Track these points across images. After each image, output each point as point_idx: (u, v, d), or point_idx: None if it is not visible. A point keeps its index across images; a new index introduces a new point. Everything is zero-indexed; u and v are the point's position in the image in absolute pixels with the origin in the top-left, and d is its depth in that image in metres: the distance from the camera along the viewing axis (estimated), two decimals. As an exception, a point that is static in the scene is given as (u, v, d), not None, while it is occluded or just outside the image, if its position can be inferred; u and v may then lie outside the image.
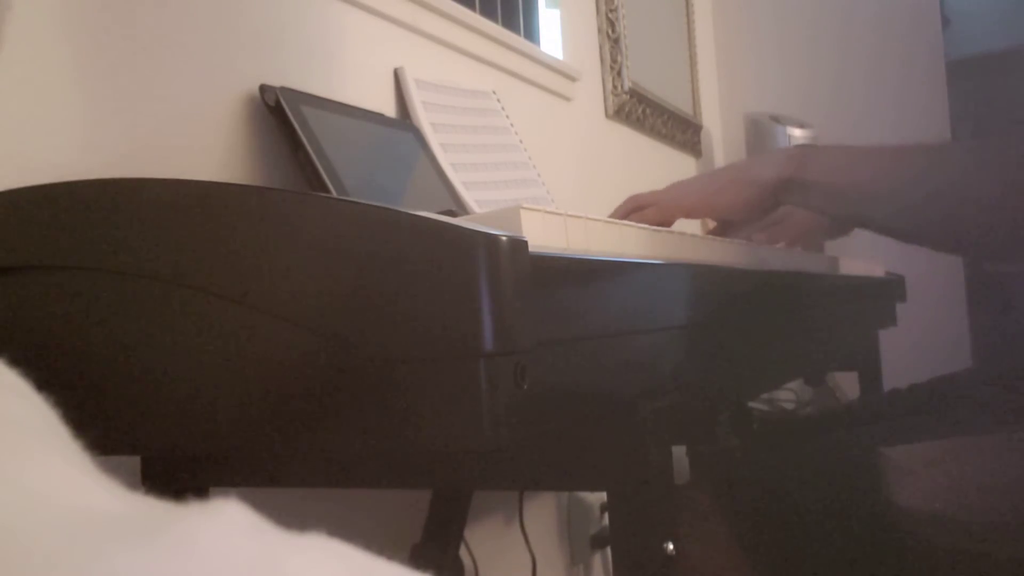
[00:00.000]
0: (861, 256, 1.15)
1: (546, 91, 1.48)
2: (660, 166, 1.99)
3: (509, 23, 1.42)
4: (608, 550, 1.47)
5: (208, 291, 0.42)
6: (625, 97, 1.76)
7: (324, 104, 0.86)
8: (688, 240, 0.61)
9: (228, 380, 0.42)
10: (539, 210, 0.42)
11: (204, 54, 0.81)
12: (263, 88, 0.82)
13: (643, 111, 1.85)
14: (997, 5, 2.44)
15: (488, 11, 1.35)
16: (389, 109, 1.05)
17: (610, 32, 1.73)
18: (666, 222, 0.85)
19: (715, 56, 2.41)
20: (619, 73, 1.74)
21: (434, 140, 1.03)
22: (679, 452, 0.51)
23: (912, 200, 0.76)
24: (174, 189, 0.44)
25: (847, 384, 1.59)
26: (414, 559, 0.98)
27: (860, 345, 1.24)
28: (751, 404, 1.39)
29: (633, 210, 0.87)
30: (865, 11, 2.18)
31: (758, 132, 2.12)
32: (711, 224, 0.94)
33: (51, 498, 0.16)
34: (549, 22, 1.60)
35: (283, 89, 0.82)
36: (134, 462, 0.60)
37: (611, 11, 1.74)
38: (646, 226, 0.55)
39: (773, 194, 0.82)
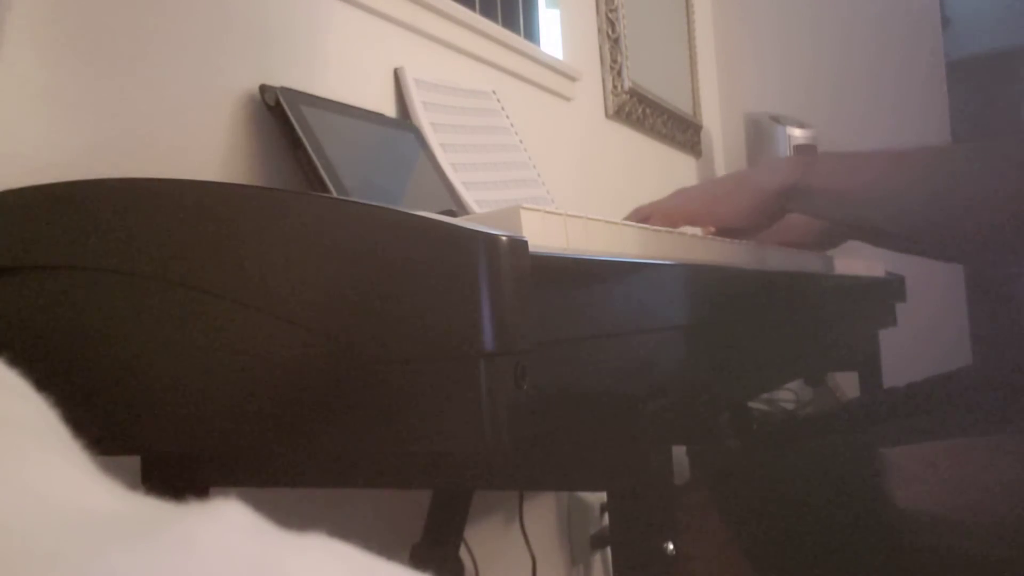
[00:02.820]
0: (861, 256, 1.15)
1: (546, 91, 1.48)
2: (660, 166, 1.99)
3: (509, 23, 1.42)
4: (608, 550, 1.47)
5: (208, 291, 0.42)
6: (625, 97, 1.76)
7: (324, 104, 0.86)
8: (688, 240, 0.61)
9: (228, 380, 0.42)
10: (539, 210, 0.42)
11: (204, 54, 0.81)
12: (263, 88, 0.82)
13: (643, 111, 1.85)
14: (997, 5, 2.44)
15: (488, 11, 1.35)
16: (389, 109, 1.05)
17: (610, 32, 1.73)
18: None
19: (715, 56, 2.41)
20: (619, 73, 1.74)
21: (434, 140, 1.03)
22: (679, 452, 0.51)
23: (916, 202, 0.76)
24: (174, 189, 0.44)
25: (847, 384, 1.59)
26: (414, 559, 0.98)
27: (860, 345, 1.24)
28: (751, 404, 1.39)
29: (639, 221, 0.86)
30: (865, 11, 2.18)
31: (758, 132, 2.12)
32: (710, 228, 0.94)
33: (51, 498, 0.16)
34: (549, 22, 1.60)
35: (283, 89, 0.82)
36: (134, 462, 0.60)
37: (611, 11, 1.74)
38: (646, 226, 0.55)
39: (778, 201, 0.82)
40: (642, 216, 0.87)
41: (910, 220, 0.78)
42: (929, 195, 0.75)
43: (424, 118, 1.04)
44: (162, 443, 0.45)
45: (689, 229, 0.84)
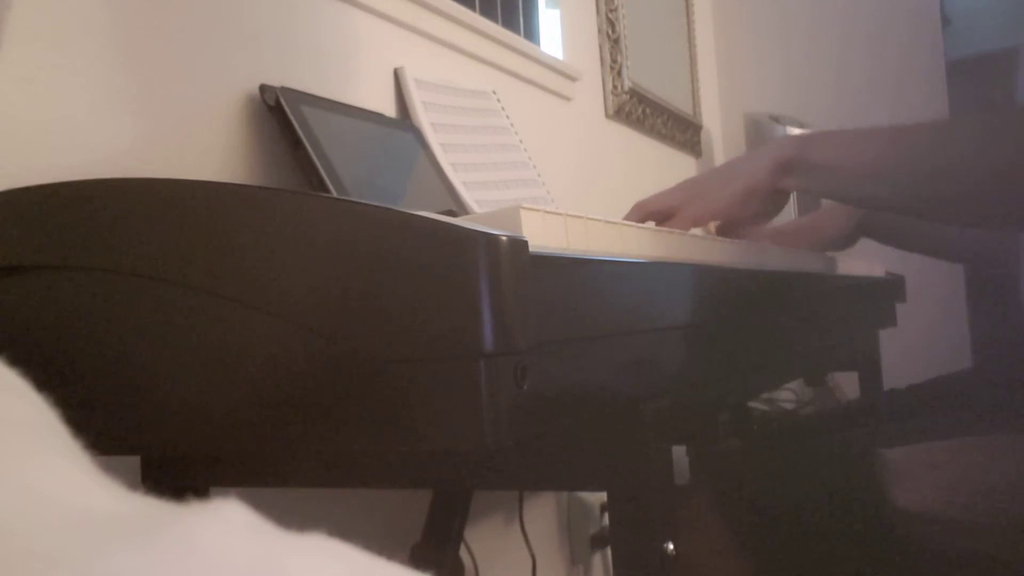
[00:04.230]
0: (861, 256, 1.15)
1: (546, 91, 1.48)
2: (660, 166, 1.99)
3: (509, 23, 1.42)
4: (608, 550, 1.47)
5: (208, 291, 0.42)
6: (625, 97, 1.76)
7: (324, 104, 0.86)
8: (688, 240, 0.61)
9: (228, 380, 0.42)
10: (539, 210, 0.42)
11: (204, 54, 0.81)
12: (263, 88, 0.82)
13: (643, 111, 1.85)
14: (997, 5, 2.44)
15: (488, 11, 1.35)
16: (389, 109, 1.05)
17: (610, 32, 1.73)
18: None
19: (715, 56, 2.41)
20: (619, 73, 1.74)
21: (434, 140, 1.03)
22: (679, 452, 0.51)
23: (922, 174, 0.74)
24: (174, 189, 0.44)
25: (847, 384, 1.59)
26: (414, 559, 0.98)
27: (860, 345, 1.24)
28: (751, 404, 1.39)
29: (644, 218, 0.86)
30: (865, 11, 2.18)
31: (758, 132, 2.12)
32: (712, 226, 0.93)
33: (51, 498, 0.16)
34: (549, 22, 1.60)
35: (283, 89, 0.82)
36: (134, 462, 0.60)
37: (611, 11, 1.74)
38: (646, 226, 0.55)
39: (774, 179, 0.80)
40: (646, 210, 0.85)
41: (914, 194, 0.76)
42: (936, 167, 0.74)
43: (424, 118, 1.04)
44: (162, 443, 0.45)
45: (695, 229, 0.84)
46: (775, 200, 0.84)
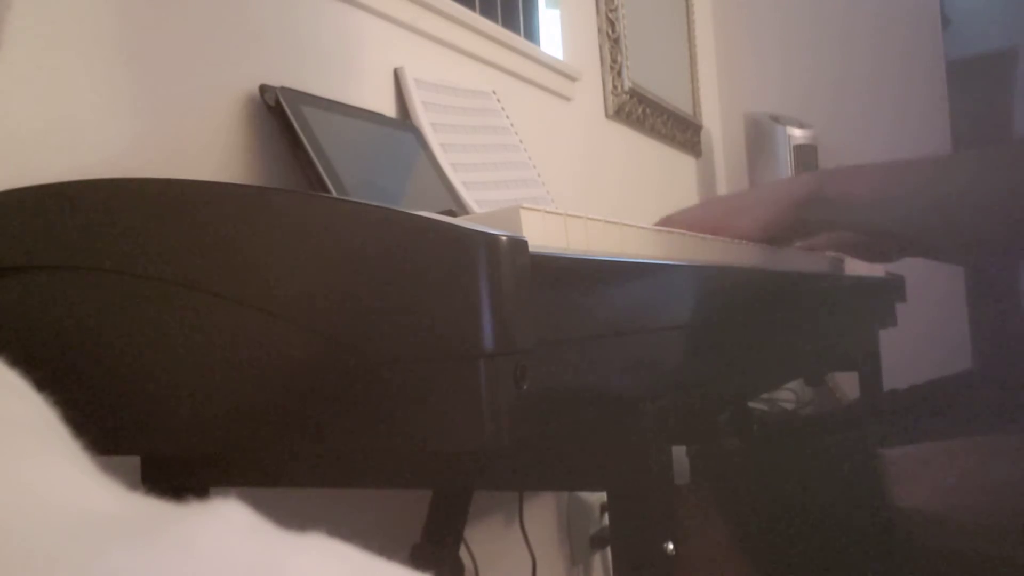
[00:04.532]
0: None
1: (546, 91, 1.48)
2: (660, 166, 1.99)
3: (509, 23, 1.42)
4: (608, 550, 1.47)
5: (208, 291, 0.42)
6: (625, 97, 1.76)
7: (324, 104, 0.86)
8: (689, 240, 0.61)
9: (228, 380, 0.42)
10: (539, 210, 0.42)
11: (204, 54, 0.81)
12: (263, 88, 0.82)
13: (643, 111, 1.85)
14: (997, 5, 2.44)
15: (488, 11, 1.35)
16: (389, 109, 1.05)
17: (610, 32, 1.73)
18: None
19: (715, 56, 2.41)
20: (619, 73, 1.74)
21: (434, 140, 1.03)
22: (679, 452, 0.51)
23: (921, 206, 0.77)
24: (174, 189, 0.44)
25: (847, 384, 1.59)
26: (414, 559, 0.98)
27: (860, 345, 1.24)
28: (751, 404, 1.39)
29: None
30: (865, 11, 2.18)
31: (758, 132, 2.12)
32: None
33: (51, 498, 0.16)
34: (549, 22, 1.60)
35: (283, 89, 0.82)
36: (134, 462, 0.60)
37: (611, 11, 1.74)
38: (646, 226, 0.55)
39: (796, 212, 0.82)
40: (668, 225, 0.88)
41: (916, 223, 0.79)
42: (931, 202, 0.77)
43: (424, 118, 1.04)
44: (162, 443, 0.45)
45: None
46: (797, 231, 0.86)
